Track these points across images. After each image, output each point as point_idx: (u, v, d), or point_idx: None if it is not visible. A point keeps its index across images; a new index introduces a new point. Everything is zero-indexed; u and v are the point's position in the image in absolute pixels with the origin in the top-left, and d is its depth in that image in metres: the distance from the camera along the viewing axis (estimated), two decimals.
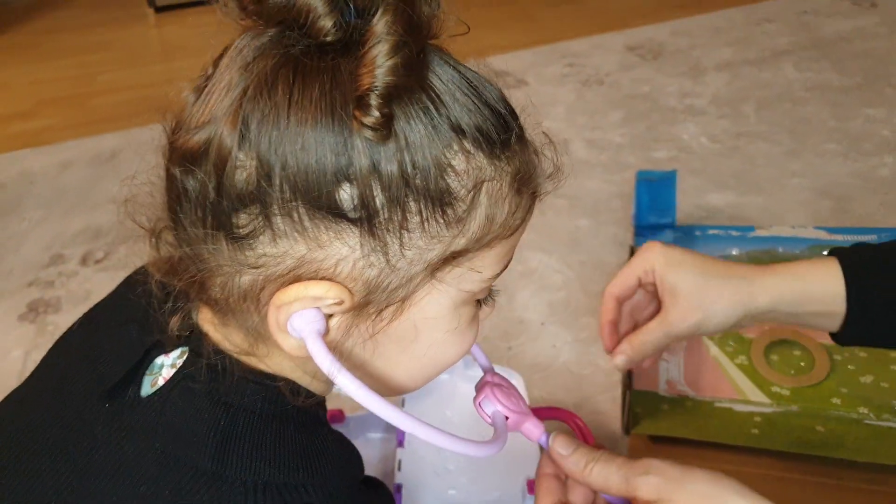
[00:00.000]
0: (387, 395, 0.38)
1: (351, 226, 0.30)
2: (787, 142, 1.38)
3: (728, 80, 1.63)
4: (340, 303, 0.32)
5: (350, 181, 0.29)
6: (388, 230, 0.30)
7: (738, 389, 0.81)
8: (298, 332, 0.32)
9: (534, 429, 0.44)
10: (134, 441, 0.35)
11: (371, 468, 0.78)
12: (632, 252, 1.01)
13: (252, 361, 0.36)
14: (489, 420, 0.43)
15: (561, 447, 0.43)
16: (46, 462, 0.36)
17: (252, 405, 0.34)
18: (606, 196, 1.28)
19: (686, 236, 1.04)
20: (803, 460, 0.72)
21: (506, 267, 0.37)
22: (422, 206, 0.30)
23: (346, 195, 0.29)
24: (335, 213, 0.30)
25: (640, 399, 0.79)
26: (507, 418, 0.42)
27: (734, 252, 1.00)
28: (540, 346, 0.97)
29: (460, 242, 0.32)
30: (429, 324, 0.35)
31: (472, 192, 0.31)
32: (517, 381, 0.80)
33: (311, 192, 0.29)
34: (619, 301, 0.58)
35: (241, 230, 0.31)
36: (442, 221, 0.31)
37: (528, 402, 0.77)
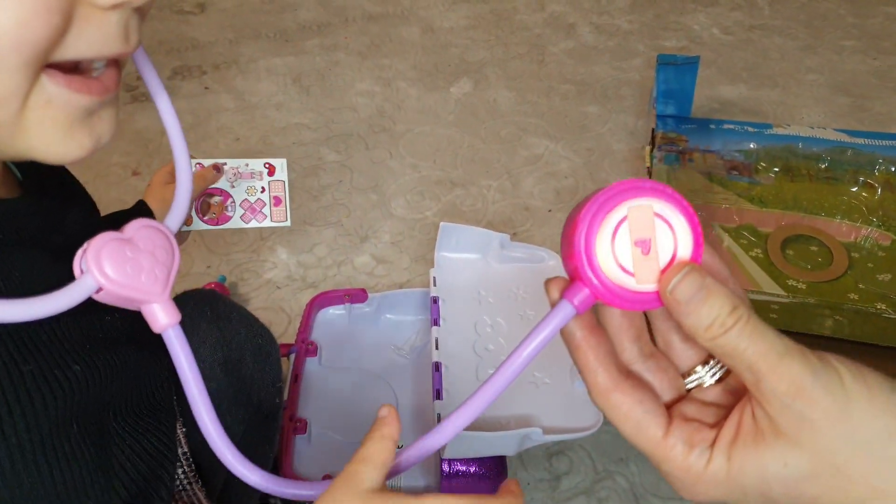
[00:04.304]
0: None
1: None
2: (804, 36, 1.32)
3: None
4: None
5: None
6: None
7: (753, 281, 0.78)
8: None
9: (160, 315, 0.28)
10: None
11: (401, 348, 0.75)
12: (653, 135, 0.96)
13: None
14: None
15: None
16: None
17: None
18: (615, 83, 1.21)
19: (700, 129, 0.99)
20: (824, 342, 0.70)
21: None
22: None
23: None
24: None
25: None
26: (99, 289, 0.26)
27: (752, 146, 0.95)
28: (547, 233, 0.93)
29: None
30: None
31: None
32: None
33: None
34: None
35: None
36: None
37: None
